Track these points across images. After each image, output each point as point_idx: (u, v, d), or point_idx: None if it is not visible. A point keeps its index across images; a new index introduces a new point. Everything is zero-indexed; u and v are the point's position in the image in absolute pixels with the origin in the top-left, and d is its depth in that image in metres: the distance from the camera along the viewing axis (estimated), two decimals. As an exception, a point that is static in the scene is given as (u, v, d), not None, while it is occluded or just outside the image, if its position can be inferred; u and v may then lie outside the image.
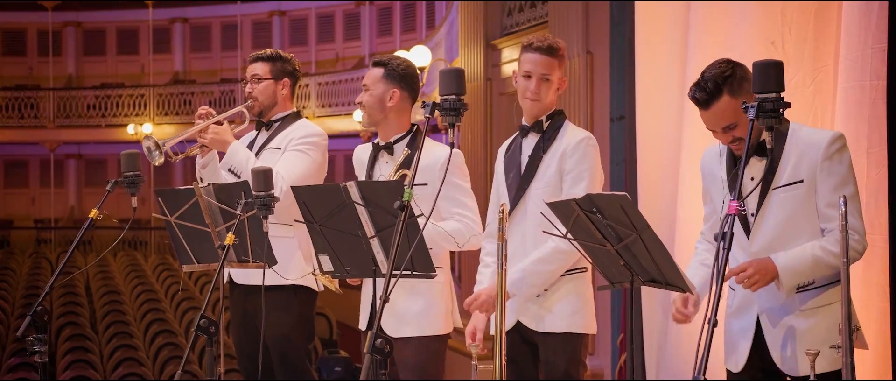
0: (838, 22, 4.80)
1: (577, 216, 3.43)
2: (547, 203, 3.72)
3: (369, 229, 3.87)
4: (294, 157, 4.98)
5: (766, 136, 3.22)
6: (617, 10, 6.72)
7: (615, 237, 3.44)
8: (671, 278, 3.46)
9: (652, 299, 5.76)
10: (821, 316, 3.63)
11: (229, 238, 4.01)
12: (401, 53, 11.95)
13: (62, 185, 27.77)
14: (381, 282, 4.32)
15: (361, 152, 4.69)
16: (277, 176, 4.75)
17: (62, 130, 27.02)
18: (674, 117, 5.63)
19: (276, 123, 5.15)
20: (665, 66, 5.72)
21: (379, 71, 4.56)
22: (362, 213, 3.85)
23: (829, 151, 3.60)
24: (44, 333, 4.22)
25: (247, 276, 4.95)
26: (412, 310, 4.40)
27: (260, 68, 5.16)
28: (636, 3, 5.93)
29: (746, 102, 3.38)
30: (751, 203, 3.68)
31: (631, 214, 3.36)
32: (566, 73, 4.37)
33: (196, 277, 17.80)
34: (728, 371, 3.90)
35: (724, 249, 2.94)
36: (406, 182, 4.03)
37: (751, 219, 3.70)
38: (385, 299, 3.28)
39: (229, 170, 4.97)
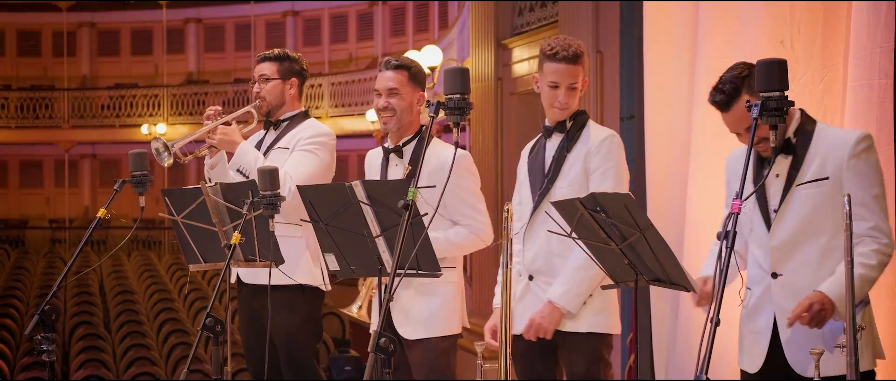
0: (847, 21, 4.80)
1: (581, 215, 3.43)
2: (552, 202, 3.72)
3: (375, 229, 3.87)
4: (302, 156, 4.99)
5: (769, 135, 3.21)
6: (627, 10, 6.71)
7: (619, 236, 3.44)
8: (675, 278, 3.46)
9: (661, 299, 5.75)
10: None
11: (235, 238, 4.02)
12: (411, 54, 11.98)
13: (76, 185, 27.88)
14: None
15: (373, 157, 4.68)
16: (285, 176, 4.76)
17: (77, 131, 27.12)
18: (683, 117, 5.62)
19: (285, 123, 5.16)
20: (673, 66, 5.71)
21: (404, 74, 4.53)
22: (368, 212, 3.85)
23: (855, 149, 3.61)
24: (52, 332, 4.24)
25: (254, 275, 4.96)
26: (424, 312, 4.40)
27: (268, 68, 5.17)
28: (645, 3, 5.92)
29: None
30: (773, 199, 3.69)
31: (634, 213, 3.36)
32: (588, 72, 4.38)
33: (210, 275, 17.85)
34: (742, 372, 3.88)
35: (726, 247, 2.94)
36: (411, 180, 4.05)
37: (772, 214, 3.70)
38: (389, 298, 3.28)
39: (238, 170, 4.98)
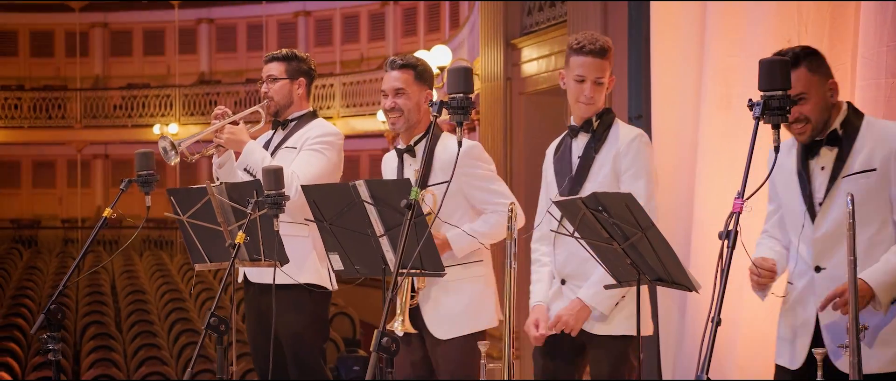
0: (855, 21, 4.78)
1: (583, 215, 3.43)
2: (554, 202, 3.71)
3: (379, 228, 3.87)
4: (310, 156, 4.99)
5: (773, 135, 3.20)
6: (635, 10, 6.70)
7: (621, 236, 3.43)
8: (677, 277, 3.45)
9: (668, 298, 5.73)
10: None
11: (240, 237, 4.02)
12: (421, 53, 11.97)
13: (89, 185, 27.97)
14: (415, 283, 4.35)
15: (389, 161, 4.66)
16: (293, 175, 4.77)
17: (89, 131, 27.20)
18: (690, 117, 5.60)
19: (292, 123, 5.16)
20: (681, 66, 5.69)
21: (410, 73, 4.52)
22: (371, 211, 3.85)
23: None
24: (57, 331, 4.25)
25: (261, 274, 4.97)
26: (453, 309, 4.38)
27: (275, 68, 5.18)
28: (652, 3, 5.90)
29: (829, 78, 3.53)
30: (819, 192, 3.66)
31: (636, 212, 3.36)
32: (614, 70, 4.31)
33: (221, 274, 17.87)
34: (778, 368, 3.83)
35: (728, 247, 2.93)
36: (417, 180, 4.05)
37: (817, 207, 3.67)
38: (391, 298, 3.28)
39: (245, 169, 4.99)
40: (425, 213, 4.08)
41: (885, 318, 3.59)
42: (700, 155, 5.50)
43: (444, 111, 3.51)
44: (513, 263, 3.77)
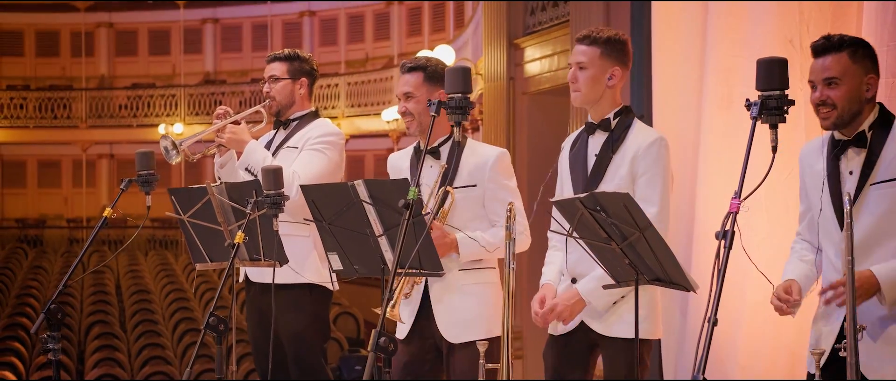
0: (857, 20, 4.78)
1: (581, 215, 3.42)
2: (552, 201, 3.71)
3: (377, 228, 3.87)
4: (311, 156, 4.99)
5: (770, 135, 3.19)
6: (637, 10, 6.69)
7: (619, 236, 3.43)
8: (675, 277, 3.44)
9: (670, 299, 5.72)
10: None
11: (239, 237, 4.03)
12: (425, 53, 11.96)
13: (94, 184, 28.00)
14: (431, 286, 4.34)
15: (399, 160, 4.62)
16: (294, 175, 4.77)
17: (94, 130, 27.25)
18: (691, 117, 5.60)
19: (294, 123, 5.17)
20: (682, 66, 5.69)
21: (418, 76, 4.49)
22: (370, 211, 3.85)
23: None
24: (57, 330, 4.26)
25: (262, 274, 4.98)
26: (466, 314, 4.35)
27: (277, 68, 5.19)
28: (653, 3, 5.90)
29: (869, 73, 3.49)
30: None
31: (634, 212, 3.35)
32: (626, 61, 4.23)
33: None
34: (809, 374, 3.74)
35: (725, 247, 2.92)
36: (439, 178, 4.04)
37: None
38: (388, 299, 3.28)
39: (246, 169, 4.99)
40: (439, 208, 4.09)
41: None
42: (701, 155, 5.50)
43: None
44: (512, 262, 3.76)
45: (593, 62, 4.16)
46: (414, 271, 3.79)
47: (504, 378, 3.71)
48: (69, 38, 28.34)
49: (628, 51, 4.24)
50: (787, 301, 3.64)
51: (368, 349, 3.21)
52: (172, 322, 15.08)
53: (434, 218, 4.21)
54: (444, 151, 4.43)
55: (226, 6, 27.38)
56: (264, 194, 4.05)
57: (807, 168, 3.78)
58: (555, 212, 4.07)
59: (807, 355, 3.77)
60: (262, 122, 5.26)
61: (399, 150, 4.77)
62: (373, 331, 3.27)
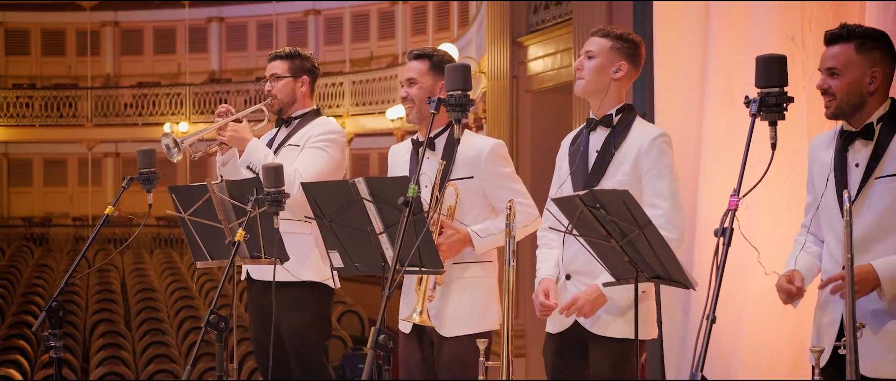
0: (859, 19, 4.76)
1: (581, 212, 3.42)
2: (552, 199, 3.70)
3: (378, 225, 3.87)
4: (313, 154, 4.99)
5: (770, 132, 3.19)
6: (639, 9, 6.69)
7: (619, 233, 3.42)
8: (674, 274, 3.44)
9: (673, 298, 5.72)
10: None
11: (239, 234, 4.03)
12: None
13: (100, 183, 28.04)
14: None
15: (400, 152, 4.63)
16: (295, 173, 4.77)
17: (100, 129, 27.29)
18: (694, 116, 5.59)
19: (296, 121, 5.17)
20: (684, 64, 5.68)
21: (424, 64, 4.49)
22: (371, 209, 3.85)
23: None
24: (59, 328, 4.26)
25: (263, 272, 4.97)
26: (460, 308, 4.35)
27: (279, 66, 5.19)
28: (655, 2, 5.89)
29: (875, 66, 3.49)
30: (852, 189, 3.56)
31: (633, 210, 3.34)
32: (636, 62, 4.21)
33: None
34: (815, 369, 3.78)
35: (723, 245, 2.92)
36: (439, 172, 4.03)
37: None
38: (389, 296, 3.28)
39: (248, 167, 4.99)
40: (446, 206, 4.08)
41: None
42: (704, 153, 5.50)
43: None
44: (512, 260, 3.76)
45: (602, 52, 4.15)
46: (414, 268, 3.78)
47: (504, 377, 3.71)
48: (75, 37, 28.39)
49: (641, 52, 4.22)
50: (789, 290, 3.63)
51: (368, 347, 3.20)
52: (177, 321, 15.10)
53: (438, 215, 4.21)
54: (440, 142, 4.42)
55: (231, 5, 27.40)
56: (265, 191, 4.06)
57: (815, 159, 3.78)
58: (549, 209, 4.08)
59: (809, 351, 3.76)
60: (263, 120, 5.26)
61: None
62: (372, 329, 3.26)
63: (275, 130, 5.26)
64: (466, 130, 4.49)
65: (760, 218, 4.92)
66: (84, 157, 27.91)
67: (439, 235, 4.24)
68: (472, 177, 4.28)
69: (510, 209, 3.84)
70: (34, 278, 18.96)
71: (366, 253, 3.97)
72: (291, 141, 5.11)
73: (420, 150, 4.41)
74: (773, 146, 3.17)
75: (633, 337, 4.01)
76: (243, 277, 5.19)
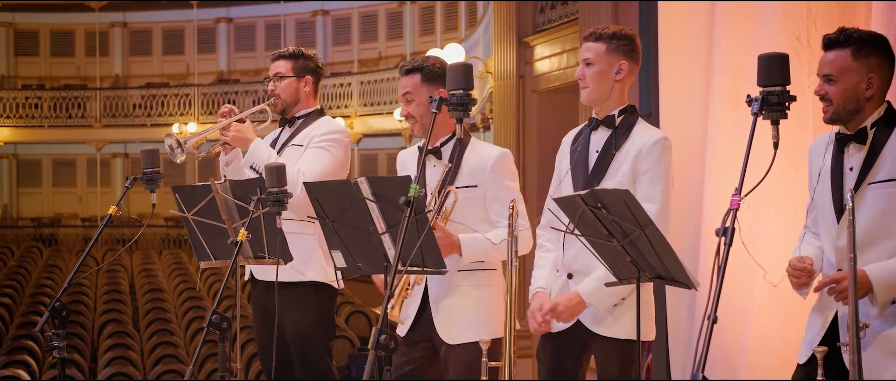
0: (865, 19, 4.75)
1: (582, 212, 3.41)
2: (553, 198, 3.69)
3: (380, 225, 3.86)
4: (316, 154, 4.99)
5: (772, 131, 3.18)
6: (645, 9, 6.68)
7: (620, 233, 3.41)
8: (676, 274, 3.43)
9: (678, 298, 5.71)
10: None
11: (242, 234, 4.02)
12: (434, 51, 11.97)
13: (108, 183, 28.13)
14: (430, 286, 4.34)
15: (407, 157, 4.62)
16: (299, 173, 4.77)
17: (109, 130, 27.39)
18: (699, 115, 5.57)
19: (299, 121, 5.16)
20: (689, 64, 5.66)
21: (416, 77, 4.47)
22: (373, 209, 3.84)
23: None
24: (63, 328, 4.27)
25: (267, 272, 4.97)
26: (466, 316, 4.34)
27: (282, 66, 5.18)
28: (660, 2, 5.88)
29: (871, 72, 3.48)
30: (846, 194, 3.46)
31: (635, 209, 3.33)
32: (635, 57, 4.19)
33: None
34: (797, 366, 3.75)
35: (725, 244, 2.90)
36: (444, 177, 4.02)
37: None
38: (389, 295, 3.28)
39: (251, 167, 4.99)
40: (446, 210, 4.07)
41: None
42: (709, 153, 5.48)
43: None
44: (513, 261, 3.75)
45: (599, 58, 4.15)
46: (416, 268, 3.77)
47: (506, 377, 3.70)
48: (84, 38, 28.48)
49: (637, 46, 4.21)
50: (802, 270, 3.62)
51: (369, 346, 3.19)
52: (185, 321, 15.11)
53: (436, 217, 4.19)
54: (447, 150, 4.40)
55: (239, 6, 27.45)
56: (268, 191, 4.05)
57: (814, 162, 3.78)
58: (548, 208, 4.06)
59: (800, 350, 3.77)
60: (266, 120, 5.25)
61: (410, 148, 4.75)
62: (373, 329, 3.26)
63: (278, 129, 5.26)
64: (474, 139, 4.47)
65: (766, 219, 4.90)
66: (93, 157, 27.99)
67: None
68: (475, 186, 4.26)
69: (513, 209, 3.83)
70: (43, 279, 19.00)
71: (368, 253, 3.96)
72: (295, 141, 5.11)
73: (420, 156, 4.40)
74: (776, 145, 3.16)
75: (635, 338, 3.97)
76: (246, 277, 5.19)
